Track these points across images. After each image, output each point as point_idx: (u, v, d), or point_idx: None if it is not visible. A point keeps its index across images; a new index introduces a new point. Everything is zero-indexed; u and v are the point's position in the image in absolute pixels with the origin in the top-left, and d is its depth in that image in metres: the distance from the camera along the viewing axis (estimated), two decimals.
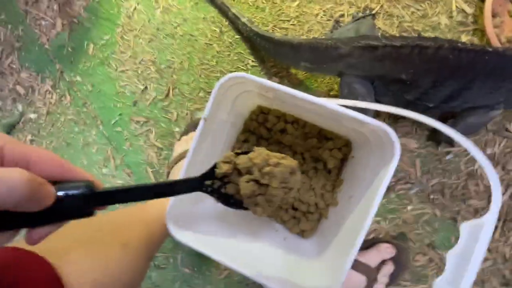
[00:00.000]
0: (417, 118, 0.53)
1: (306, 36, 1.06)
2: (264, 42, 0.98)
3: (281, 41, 0.91)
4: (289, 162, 0.48)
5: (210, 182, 0.44)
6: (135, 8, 1.20)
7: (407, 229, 1.00)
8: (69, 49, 1.26)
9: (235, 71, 1.06)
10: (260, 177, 0.45)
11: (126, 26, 1.21)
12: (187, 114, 1.16)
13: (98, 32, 1.24)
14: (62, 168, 0.31)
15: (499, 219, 0.93)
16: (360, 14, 1.02)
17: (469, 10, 0.95)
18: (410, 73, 0.69)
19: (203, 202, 0.79)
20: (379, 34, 0.93)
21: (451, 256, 0.48)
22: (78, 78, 1.26)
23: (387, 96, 0.80)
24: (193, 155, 0.63)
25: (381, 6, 1.00)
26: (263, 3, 1.10)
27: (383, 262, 0.92)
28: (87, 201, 0.32)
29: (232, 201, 0.46)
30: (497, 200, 0.46)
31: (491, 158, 0.95)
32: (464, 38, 0.96)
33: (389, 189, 1.01)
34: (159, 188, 0.39)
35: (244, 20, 1.04)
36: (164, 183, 0.41)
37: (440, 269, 0.99)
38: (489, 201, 0.95)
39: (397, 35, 0.98)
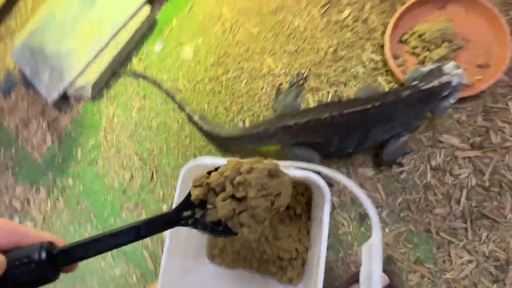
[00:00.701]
0: (318, 169, 0.52)
1: (258, 105, 0.94)
2: (209, 136, 0.91)
3: (224, 137, 0.84)
4: (264, 164, 0.30)
5: (190, 213, 0.29)
6: (113, 113, 1.05)
7: (391, 251, 0.77)
8: (60, 159, 1.06)
9: (206, 145, 0.90)
10: (234, 190, 0.28)
11: (108, 129, 1.05)
12: (171, 189, 0.95)
13: (84, 138, 1.06)
14: (17, 235, 0.24)
15: (465, 222, 0.74)
16: (295, 80, 0.92)
17: (376, 58, 0.89)
18: (321, 137, 0.68)
19: (196, 271, 0.62)
20: (299, 100, 0.87)
21: (362, 275, 0.42)
22: (70, 181, 1.03)
23: (321, 150, 0.75)
24: (170, 241, 0.54)
25: (309, 70, 0.92)
26: (217, 87, 0.98)
27: None
28: (46, 263, 0.23)
29: (220, 228, 0.29)
30: (376, 224, 0.41)
31: (438, 168, 0.79)
32: (381, 79, 0.87)
33: (363, 216, 0.81)
34: (127, 233, 0.26)
35: (187, 110, 0.95)
36: (132, 226, 0.27)
37: (434, 283, 0.74)
38: (450, 206, 0.77)
39: (332, 95, 0.88)
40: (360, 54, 0.90)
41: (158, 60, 1.06)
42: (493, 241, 0.74)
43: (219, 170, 0.29)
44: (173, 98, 0.97)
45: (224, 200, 0.28)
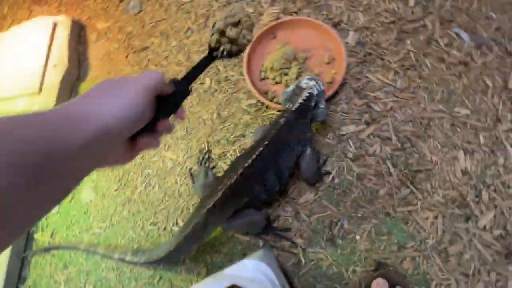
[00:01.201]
0: None
1: (182, 200, 0.74)
2: (153, 264, 0.67)
3: (166, 255, 0.61)
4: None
5: (216, 54, 0.34)
6: None
7: (374, 254, 0.59)
8: None
9: (153, 275, 0.63)
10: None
11: None
12: None
13: None
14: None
15: (407, 186, 0.62)
16: (201, 157, 0.74)
17: (252, 102, 0.77)
18: (246, 196, 0.58)
19: None
20: (211, 175, 0.69)
21: None
22: None
23: (255, 205, 0.62)
24: None
25: (207, 142, 0.76)
26: (133, 208, 0.73)
27: None
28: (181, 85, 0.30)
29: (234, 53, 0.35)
30: None
31: (357, 156, 0.66)
32: (266, 114, 0.74)
33: (332, 239, 0.62)
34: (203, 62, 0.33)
35: (116, 256, 0.69)
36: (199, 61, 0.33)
37: (426, 256, 0.58)
38: (387, 181, 0.64)
39: (234, 153, 0.73)
40: (239, 105, 0.77)
41: (61, 219, 0.77)
42: (439, 187, 0.62)
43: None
44: (93, 253, 0.68)
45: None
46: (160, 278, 0.67)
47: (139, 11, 0.93)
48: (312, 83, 0.61)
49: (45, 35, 0.88)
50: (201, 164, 0.73)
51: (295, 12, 0.80)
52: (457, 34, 0.72)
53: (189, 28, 0.88)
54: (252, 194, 0.58)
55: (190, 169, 0.74)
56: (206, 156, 0.74)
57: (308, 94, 0.60)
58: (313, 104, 0.60)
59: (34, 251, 0.75)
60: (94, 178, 0.79)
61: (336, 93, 0.72)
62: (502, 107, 0.65)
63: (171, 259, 0.63)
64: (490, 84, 0.67)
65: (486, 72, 0.68)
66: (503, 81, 0.67)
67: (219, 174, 0.70)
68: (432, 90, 0.69)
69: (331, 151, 0.69)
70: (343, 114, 0.71)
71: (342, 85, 0.72)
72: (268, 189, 0.60)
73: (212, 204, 0.55)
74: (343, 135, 0.70)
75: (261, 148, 0.56)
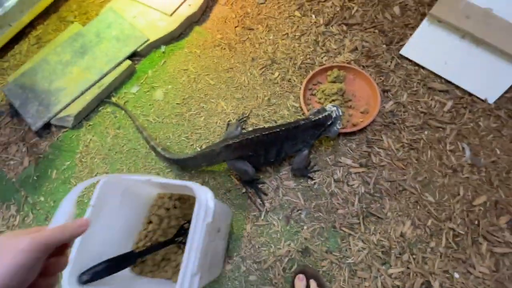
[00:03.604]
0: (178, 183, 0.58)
1: (213, 135, 1.03)
2: (171, 161, 0.97)
3: (182, 159, 0.91)
4: None
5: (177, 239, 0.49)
6: (90, 140, 1.07)
7: (309, 244, 0.86)
8: (35, 177, 1.01)
9: (168, 166, 0.95)
10: None
11: (83, 152, 1.04)
12: None
13: (60, 160, 1.03)
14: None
15: (359, 218, 0.87)
16: (241, 117, 1.04)
17: (296, 105, 1.05)
18: (252, 151, 0.81)
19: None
20: (239, 130, 0.94)
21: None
22: (42, 198, 0.98)
23: (254, 162, 0.87)
24: (84, 238, 0.52)
25: (251, 111, 1.05)
26: (181, 121, 1.07)
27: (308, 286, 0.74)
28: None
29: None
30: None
31: (338, 180, 0.92)
32: (298, 117, 1.03)
33: (289, 218, 0.89)
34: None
35: (152, 143, 1.00)
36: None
37: (340, 267, 0.83)
38: (348, 207, 0.89)
39: (263, 126, 1.02)
40: (286, 102, 1.07)
41: (134, 99, 1.13)
42: (379, 233, 0.86)
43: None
44: (140, 132, 1.02)
45: None
46: (170, 170, 0.99)
47: (263, 3, 1.29)
48: (334, 108, 0.86)
49: None
50: (239, 120, 1.05)
51: (363, 66, 1.10)
52: (463, 148, 0.96)
53: (286, 34, 1.21)
54: (256, 152, 0.84)
55: (229, 120, 1.06)
56: (244, 119, 1.06)
57: (327, 114, 0.85)
58: (329, 122, 0.84)
59: (111, 101, 1.11)
60: (168, 88, 1.14)
61: (354, 133, 0.99)
62: (458, 213, 0.88)
63: (185, 164, 0.95)
64: (461, 193, 0.90)
65: (465, 184, 0.92)
66: (472, 198, 0.90)
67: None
68: (419, 172, 0.94)
69: (325, 166, 0.96)
70: (349, 149, 0.98)
71: (362, 131, 0.99)
72: (267, 157, 0.86)
73: (231, 143, 0.83)
74: (340, 162, 0.97)
75: (277, 130, 0.82)
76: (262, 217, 0.88)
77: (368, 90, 1.01)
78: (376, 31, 1.12)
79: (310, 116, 0.86)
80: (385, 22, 1.13)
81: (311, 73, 1.04)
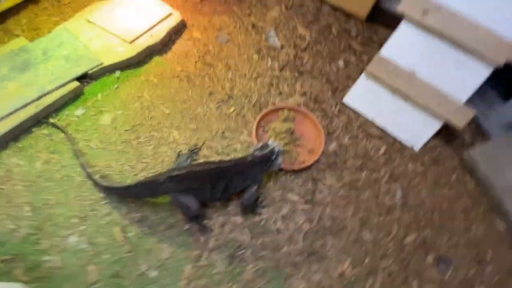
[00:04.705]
0: None
1: (161, 165, 1.02)
2: (109, 191, 0.93)
3: (122, 187, 0.89)
4: None
5: None
6: (16, 164, 0.96)
7: (251, 285, 0.83)
8: None
9: (104, 198, 0.89)
10: None
11: (3, 178, 0.92)
12: (59, 240, 0.85)
13: None
14: None
15: (303, 257, 0.88)
16: (192, 148, 1.05)
17: (249, 139, 1.10)
18: (198, 184, 0.81)
19: None
20: (189, 162, 0.98)
21: None
22: None
23: (199, 196, 0.87)
24: None
25: (204, 143, 1.07)
26: (127, 149, 1.03)
27: None
28: None
29: None
30: None
31: (285, 217, 0.95)
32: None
33: (233, 257, 0.87)
34: None
35: (89, 171, 0.95)
36: None
37: None
38: (292, 245, 0.90)
39: (215, 159, 1.04)
40: (239, 136, 1.11)
41: (76, 122, 1.07)
42: (321, 272, 0.88)
43: None
44: (78, 158, 0.96)
45: None
46: (107, 202, 0.92)
47: (226, 42, 1.39)
48: (275, 144, 0.91)
49: (159, 16, 1.34)
50: (190, 151, 1.05)
51: (311, 109, 1.21)
52: (395, 189, 1.07)
53: (244, 74, 1.30)
54: (202, 186, 0.84)
55: (180, 151, 1.06)
56: (196, 150, 1.06)
57: (271, 149, 0.90)
58: (273, 157, 0.89)
59: (49, 122, 1.02)
60: (118, 113, 1.11)
61: (301, 170, 1.05)
62: (392, 251, 0.95)
63: (125, 193, 0.90)
64: (394, 232, 0.99)
65: (397, 223, 1.01)
66: (403, 236, 0.98)
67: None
68: (358, 210, 1.02)
69: (273, 201, 0.99)
70: (296, 185, 1.03)
71: (308, 169, 1.05)
72: (214, 192, 0.86)
73: (176, 173, 0.82)
74: (287, 198, 1.01)
75: (226, 164, 0.84)
76: (205, 257, 0.84)
77: (314, 131, 1.11)
78: (324, 80, 1.27)
79: (256, 152, 0.90)
80: (331, 73, 1.29)
81: (264, 111, 1.11)
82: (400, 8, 1.00)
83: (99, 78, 1.15)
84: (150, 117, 1.09)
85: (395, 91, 1.09)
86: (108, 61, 1.16)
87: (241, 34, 1.35)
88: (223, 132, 1.09)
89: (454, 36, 0.95)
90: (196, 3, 1.44)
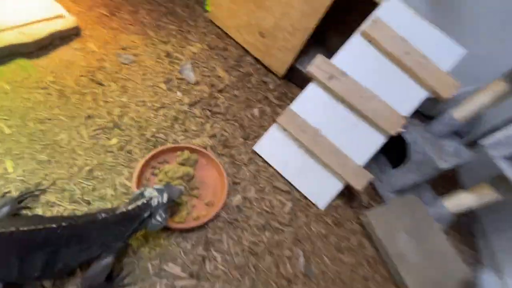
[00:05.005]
0: None
1: None
2: None
3: None
4: None
5: None
6: None
7: None
8: None
9: None
10: None
11: None
12: None
13: None
14: None
15: None
16: (31, 189, 0.70)
17: (129, 184, 0.83)
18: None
19: None
20: (7, 210, 0.63)
21: None
22: None
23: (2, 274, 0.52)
24: None
25: (54, 183, 0.74)
26: None
27: None
28: None
29: None
30: None
31: None
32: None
33: None
34: None
35: None
36: None
37: None
38: None
39: (54, 212, 0.71)
40: (115, 178, 0.83)
41: None
42: None
43: None
44: None
45: None
46: None
47: (126, 64, 1.16)
48: (155, 193, 0.66)
49: (43, 14, 1.06)
50: (22, 194, 0.69)
51: (218, 154, 1.04)
52: (299, 256, 0.93)
53: (143, 101, 1.07)
54: (5, 259, 0.50)
55: (7, 192, 0.69)
56: (35, 193, 0.71)
57: (145, 202, 0.64)
58: (147, 214, 0.64)
59: None
60: None
61: (193, 230, 0.81)
62: None
63: None
64: None
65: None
66: None
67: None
68: (255, 284, 0.81)
69: (144, 276, 0.70)
70: (181, 252, 0.78)
71: (202, 227, 0.83)
72: (25, 269, 0.52)
73: None
74: (165, 271, 0.73)
75: (53, 225, 0.53)
76: None
77: (217, 179, 0.93)
78: (237, 124, 1.15)
79: (129, 205, 0.64)
80: (245, 118, 1.20)
81: (159, 148, 0.88)
82: (309, 69, 1.02)
83: None
84: None
85: (302, 146, 1.05)
86: None
87: (151, 59, 1.17)
88: (91, 170, 0.79)
89: (354, 103, 1.00)
90: (103, 15, 1.21)
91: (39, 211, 0.68)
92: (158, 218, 0.65)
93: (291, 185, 1.06)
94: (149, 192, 0.66)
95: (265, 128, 1.18)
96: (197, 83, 1.21)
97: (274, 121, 1.16)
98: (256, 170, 1.05)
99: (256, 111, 1.24)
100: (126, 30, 1.22)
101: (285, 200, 1.01)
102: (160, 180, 0.86)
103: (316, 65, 1.03)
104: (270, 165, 1.08)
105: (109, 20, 1.23)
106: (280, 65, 1.36)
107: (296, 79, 1.41)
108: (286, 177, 1.06)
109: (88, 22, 1.17)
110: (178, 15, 1.40)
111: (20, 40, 0.96)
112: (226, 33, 1.45)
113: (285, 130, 1.06)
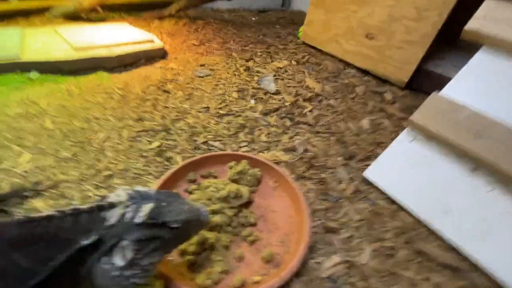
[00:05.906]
0: None
1: None
2: None
3: None
4: None
5: None
6: None
7: None
8: None
9: None
10: None
11: None
12: None
13: None
14: None
15: None
16: (28, 187, 0.52)
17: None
18: None
19: None
20: None
21: None
22: None
23: None
24: None
25: (55, 185, 0.54)
26: None
27: None
28: None
29: None
30: None
31: None
32: None
33: None
34: None
35: None
36: None
37: None
38: None
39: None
40: (136, 186, 0.53)
41: None
42: None
43: None
44: None
45: None
46: None
47: (203, 76, 1.02)
48: (124, 197, 0.33)
49: (134, 37, 1.12)
50: (8, 193, 0.48)
51: (299, 175, 0.62)
52: None
53: (207, 107, 0.85)
54: None
55: None
56: (26, 193, 0.49)
57: (89, 210, 0.31)
58: (86, 241, 0.29)
59: None
60: None
61: None
62: None
63: None
64: None
65: None
66: None
67: None
68: None
69: None
70: None
71: None
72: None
73: None
74: None
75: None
76: None
77: (292, 216, 0.48)
78: (332, 138, 0.72)
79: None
80: (347, 132, 0.75)
81: (204, 155, 0.57)
82: (471, 24, 0.54)
83: (4, 73, 0.85)
84: (13, 127, 0.61)
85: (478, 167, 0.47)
86: (27, 58, 0.88)
87: (229, 72, 1.01)
88: (109, 176, 0.53)
89: None
90: (193, 45, 1.23)
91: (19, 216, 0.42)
92: (117, 259, 0.29)
93: (462, 254, 0.45)
94: (117, 194, 0.34)
95: (383, 146, 0.67)
96: (277, 92, 0.91)
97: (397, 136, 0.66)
98: (373, 213, 0.52)
99: (365, 123, 0.77)
100: (210, 53, 1.16)
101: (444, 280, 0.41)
102: (195, 201, 0.48)
103: (483, 16, 0.54)
104: (402, 207, 0.53)
105: (197, 47, 1.21)
106: (401, 68, 0.94)
107: (426, 86, 0.91)
108: (446, 234, 0.47)
109: (177, 49, 1.18)
110: (267, 42, 1.27)
111: (102, 54, 0.98)
112: (320, 51, 1.21)
113: (432, 138, 0.53)
